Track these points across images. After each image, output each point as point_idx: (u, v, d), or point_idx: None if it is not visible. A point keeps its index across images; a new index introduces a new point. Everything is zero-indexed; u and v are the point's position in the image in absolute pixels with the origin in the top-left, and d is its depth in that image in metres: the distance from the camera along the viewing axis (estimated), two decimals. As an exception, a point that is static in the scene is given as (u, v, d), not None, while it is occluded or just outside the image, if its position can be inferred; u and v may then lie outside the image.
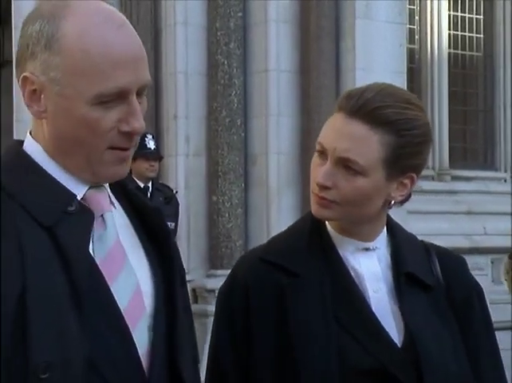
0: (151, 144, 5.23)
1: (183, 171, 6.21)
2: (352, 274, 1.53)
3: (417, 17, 7.79)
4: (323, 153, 1.51)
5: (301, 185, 6.16)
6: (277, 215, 6.06)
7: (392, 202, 1.55)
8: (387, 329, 1.50)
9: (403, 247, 1.59)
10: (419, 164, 1.55)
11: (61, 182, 1.22)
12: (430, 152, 1.57)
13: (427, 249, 1.63)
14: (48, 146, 1.23)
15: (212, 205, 6.22)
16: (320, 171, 1.50)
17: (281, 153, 6.17)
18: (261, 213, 6.17)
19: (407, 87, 6.49)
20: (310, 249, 1.55)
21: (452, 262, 1.64)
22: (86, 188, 1.23)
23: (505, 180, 7.99)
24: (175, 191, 5.67)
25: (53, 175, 1.22)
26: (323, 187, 1.49)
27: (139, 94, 1.20)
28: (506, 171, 8.02)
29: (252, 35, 6.24)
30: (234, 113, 6.14)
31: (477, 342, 1.60)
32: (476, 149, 8.20)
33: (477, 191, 7.58)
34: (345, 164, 1.47)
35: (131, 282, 1.24)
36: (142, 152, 5.06)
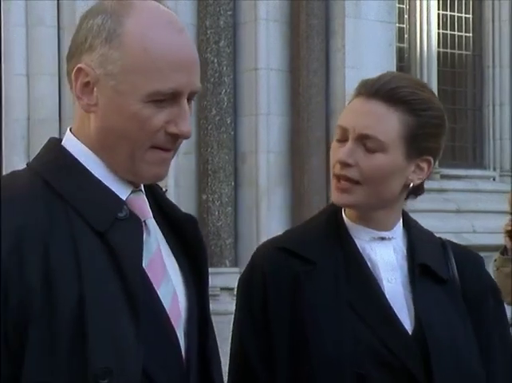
0: None
1: (173, 169, 6.20)
2: (368, 263, 1.55)
3: (406, 16, 7.81)
4: (343, 135, 1.53)
5: (290, 184, 6.17)
6: (267, 214, 6.06)
7: (411, 185, 1.57)
8: (400, 318, 1.52)
9: (419, 240, 1.60)
10: (435, 148, 1.58)
11: (107, 184, 1.21)
12: (445, 140, 1.60)
13: (444, 245, 1.65)
14: (92, 142, 1.22)
15: (202, 203, 6.22)
16: (340, 150, 1.52)
17: (271, 152, 6.17)
18: (250, 211, 6.17)
19: (397, 86, 6.50)
20: (326, 238, 1.57)
21: (469, 259, 1.65)
22: (129, 192, 1.23)
23: (494, 179, 8.02)
24: (164, 190, 5.67)
25: (98, 177, 1.21)
26: (344, 165, 1.51)
27: (188, 99, 1.22)
28: (494, 169, 8.05)
29: (242, 33, 6.24)
30: (223, 112, 6.14)
31: (490, 342, 1.60)
32: (465, 148, 8.22)
33: (466, 190, 7.61)
34: (365, 142, 1.50)
35: (170, 288, 1.25)
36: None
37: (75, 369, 1.11)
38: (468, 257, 1.67)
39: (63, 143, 1.24)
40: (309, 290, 1.52)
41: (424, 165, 1.58)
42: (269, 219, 6.00)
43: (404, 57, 7.77)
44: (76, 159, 1.21)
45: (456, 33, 8.10)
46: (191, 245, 1.31)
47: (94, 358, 1.11)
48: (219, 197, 6.14)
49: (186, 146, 6.30)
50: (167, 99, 1.20)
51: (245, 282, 1.60)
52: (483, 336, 1.59)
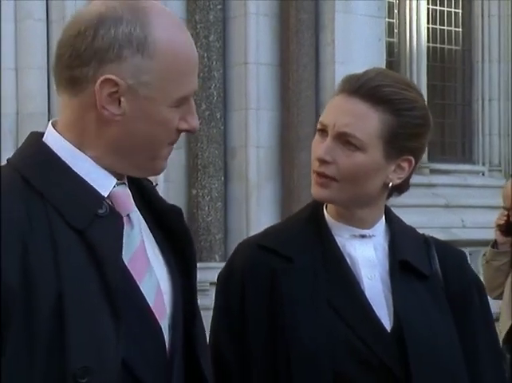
0: None
1: (163, 164, 6.20)
2: (348, 260, 1.55)
3: (396, 11, 7.81)
4: (323, 131, 1.53)
5: (280, 178, 6.17)
6: (257, 209, 6.06)
7: (390, 184, 1.56)
8: (379, 315, 1.52)
9: (400, 237, 1.60)
10: (417, 148, 1.57)
11: (88, 180, 1.20)
12: (428, 140, 1.60)
13: (427, 241, 1.64)
14: (99, 149, 1.20)
15: (192, 198, 6.21)
16: (320, 147, 1.52)
17: (261, 146, 6.17)
18: (240, 206, 6.17)
19: (387, 80, 6.51)
20: (306, 235, 1.57)
21: (452, 255, 1.65)
22: (114, 184, 1.23)
23: (483, 174, 8.05)
24: (155, 184, 5.66)
25: (80, 173, 1.20)
26: (322, 162, 1.51)
27: None
28: (483, 164, 8.07)
29: (232, 28, 6.23)
30: (213, 106, 6.13)
31: (475, 338, 1.60)
32: (454, 143, 8.24)
33: (455, 185, 7.63)
34: (345, 139, 1.50)
35: (153, 282, 1.25)
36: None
37: (54, 369, 1.10)
38: (451, 253, 1.66)
39: (44, 138, 1.23)
40: (287, 287, 1.51)
41: (405, 165, 1.57)
42: (259, 213, 6.00)
43: (394, 52, 7.77)
44: (56, 155, 1.20)
45: (446, 27, 8.11)
46: (177, 237, 1.31)
47: (73, 357, 1.10)
48: (209, 192, 6.14)
49: (175, 141, 6.29)
50: (183, 103, 1.24)
51: (223, 279, 1.60)
52: (469, 333, 1.59)
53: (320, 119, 1.55)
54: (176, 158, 6.25)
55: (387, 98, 1.50)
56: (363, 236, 1.57)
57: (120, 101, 1.18)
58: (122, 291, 1.17)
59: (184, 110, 1.24)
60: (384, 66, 6.39)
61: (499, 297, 3.87)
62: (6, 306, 1.08)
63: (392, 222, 1.62)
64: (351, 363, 1.48)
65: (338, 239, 1.56)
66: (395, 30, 7.82)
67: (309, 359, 1.47)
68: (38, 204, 1.15)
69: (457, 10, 8.16)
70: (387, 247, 1.58)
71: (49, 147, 1.21)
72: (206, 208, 6.13)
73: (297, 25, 6.11)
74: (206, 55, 6.11)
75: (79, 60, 1.19)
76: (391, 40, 7.71)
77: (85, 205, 1.18)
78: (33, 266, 1.10)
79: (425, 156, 7.81)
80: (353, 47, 6.16)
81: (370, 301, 1.52)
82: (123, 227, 1.21)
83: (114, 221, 1.20)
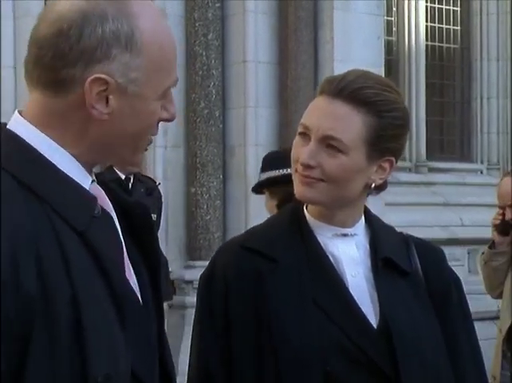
0: None
1: (161, 162, 6.19)
2: (331, 258, 1.55)
3: (395, 9, 7.81)
4: (306, 134, 1.53)
5: (279, 177, 6.16)
6: (256, 207, 6.06)
7: (372, 185, 1.57)
8: (364, 313, 1.52)
9: (381, 235, 1.61)
10: (397, 148, 1.59)
11: (73, 177, 1.18)
12: (407, 140, 1.62)
13: (406, 240, 1.65)
14: (80, 146, 1.17)
15: (190, 197, 6.21)
16: (303, 151, 1.52)
17: (260, 145, 6.16)
18: (239, 205, 6.16)
19: (385, 79, 6.50)
20: (289, 235, 1.57)
21: (430, 253, 1.66)
22: (90, 181, 1.21)
23: (481, 172, 8.05)
24: (157, 183, 5.64)
25: (64, 170, 1.17)
26: (307, 167, 1.51)
27: None
28: (482, 162, 8.08)
29: (230, 26, 6.22)
30: (212, 104, 6.12)
31: (455, 334, 1.61)
32: (453, 141, 8.24)
33: (454, 183, 7.63)
34: (329, 143, 1.50)
35: (134, 281, 1.24)
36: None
37: (75, 375, 1.08)
38: (430, 251, 1.67)
39: (19, 133, 1.17)
40: (273, 288, 1.51)
41: (386, 165, 1.57)
42: (257, 211, 5.99)
43: (393, 50, 7.77)
44: (39, 152, 1.16)
45: (444, 26, 8.11)
46: (140, 233, 1.28)
47: (94, 364, 1.09)
48: (208, 190, 6.13)
49: (174, 139, 6.29)
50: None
51: (205, 282, 1.58)
52: (449, 329, 1.60)
53: (303, 121, 1.54)
54: (175, 156, 6.25)
55: (369, 100, 1.50)
56: (345, 235, 1.58)
57: (107, 99, 1.16)
58: (127, 297, 1.16)
59: (165, 100, 1.22)
60: (382, 64, 6.39)
61: (500, 296, 3.86)
62: (28, 313, 1.06)
63: (372, 221, 1.63)
64: (340, 362, 1.48)
65: (320, 239, 1.57)
66: (394, 28, 7.81)
67: (298, 359, 1.47)
68: (38, 206, 1.12)
69: (455, 8, 8.16)
70: (368, 246, 1.59)
71: (29, 144, 1.16)
72: (205, 207, 6.13)
73: (296, 23, 6.10)
74: (204, 53, 6.10)
75: (63, 61, 1.15)
76: (390, 38, 7.71)
77: (83, 207, 1.16)
78: (47, 270, 1.08)
79: (424, 155, 7.82)
80: (352, 45, 6.15)
81: (356, 298, 1.53)
82: (117, 229, 1.20)
83: (109, 222, 1.19)
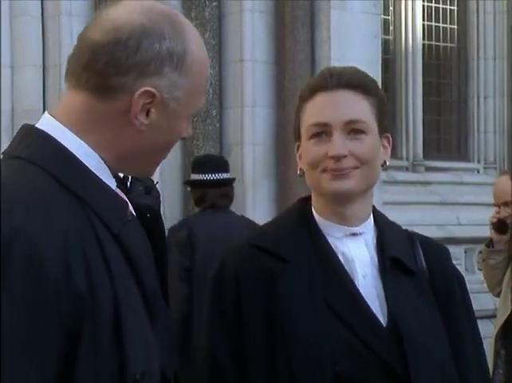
0: None
1: (158, 161, 6.18)
2: (342, 259, 1.56)
3: (392, 8, 7.81)
4: (322, 133, 1.55)
5: (276, 176, 6.16)
6: (253, 206, 6.06)
7: (385, 164, 1.63)
8: (374, 313, 1.53)
9: (388, 233, 1.62)
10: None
11: (105, 180, 1.22)
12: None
13: (411, 237, 1.66)
14: (112, 152, 1.21)
15: (187, 196, 6.21)
16: (331, 145, 1.54)
17: (257, 144, 6.16)
18: (236, 204, 6.15)
19: (382, 78, 6.50)
20: (298, 235, 1.58)
21: (435, 251, 1.68)
22: (114, 186, 1.25)
23: (478, 171, 8.05)
24: (155, 182, 5.64)
25: (96, 173, 1.20)
26: (340, 158, 1.53)
27: None
28: (479, 162, 8.08)
29: (227, 25, 6.22)
30: (209, 104, 6.12)
31: (459, 333, 1.62)
32: (450, 140, 8.24)
33: (451, 182, 7.63)
34: (352, 128, 1.55)
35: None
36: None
37: (115, 372, 1.11)
38: (434, 248, 1.69)
39: (54, 135, 1.21)
40: (284, 288, 1.51)
41: (386, 143, 1.63)
42: (254, 211, 6.00)
43: (389, 49, 7.77)
44: (72, 153, 1.19)
45: (441, 25, 8.12)
46: (151, 236, 1.31)
47: (133, 361, 1.12)
48: (205, 189, 6.13)
49: (171, 138, 6.28)
50: None
51: (216, 281, 1.59)
52: (453, 328, 1.61)
53: (315, 121, 1.56)
54: (172, 156, 6.23)
55: (363, 83, 1.59)
56: (354, 234, 1.59)
57: (148, 112, 1.21)
58: (156, 298, 1.21)
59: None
60: (379, 63, 6.39)
61: (500, 294, 3.87)
62: (79, 312, 1.08)
63: (377, 218, 1.64)
64: (351, 362, 1.49)
65: (330, 239, 1.57)
66: (391, 27, 7.82)
67: (309, 359, 1.47)
68: (79, 207, 1.14)
69: (452, 8, 8.16)
70: (375, 244, 1.60)
71: (64, 146, 1.19)
72: (202, 206, 6.12)
73: (293, 23, 6.10)
74: (201, 52, 6.10)
75: (117, 69, 1.20)
76: (387, 37, 7.71)
77: (118, 209, 1.20)
78: (93, 269, 1.11)
79: (420, 154, 7.82)
80: (349, 44, 6.15)
81: (366, 299, 1.54)
82: (144, 232, 1.25)
83: (137, 226, 1.24)
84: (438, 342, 1.56)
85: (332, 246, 1.56)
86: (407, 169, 7.70)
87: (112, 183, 1.24)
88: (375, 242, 1.60)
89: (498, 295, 3.88)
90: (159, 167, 5.48)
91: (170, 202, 6.24)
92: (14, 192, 1.11)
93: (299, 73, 6.09)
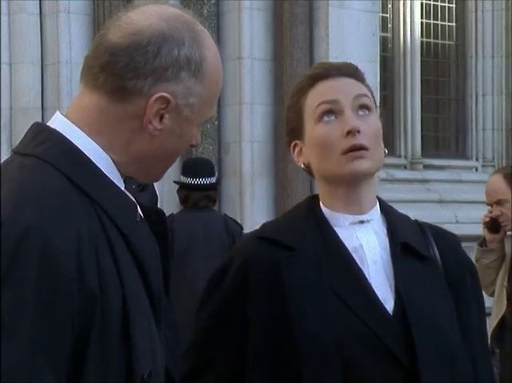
0: None
1: (156, 159, 6.18)
2: (350, 247, 1.57)
3: (390, 6, 7.81)
4: (331, 111, 1.56)
5: (274, 173, 6.16)
6: (251, 204, 6.06)
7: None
8: (383, 299, 1.53)
9: (397, 221, 1.63)
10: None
11: (115, 182, 1.23)
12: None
13: (422, 227, 1.66)
14: (123, 154, 1.23)
15: (185, 193, 6.21)
16: (341, 125, 1.55)
17: (255, 141, 6.16)
18: (234, 201, 6.16)
19: (380, 75, 6.50)
20: (305, 226, 1.59)
21: (447, 239, 1.67)
22: (123, 186, 1.26)
23: (476, 169, 8.06)
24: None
25: (108, 174, 1.22)
26: (354, 134, 1.54)
27: None
28: (477, 160, 8.09)
29: (225, 22, 6.22)
30: (207, 101, 6.12)
31: (468, 321, 1.61)
32: (448, 138, 8.25)
33: (449, 180, 7.64)
34: (361, 103, 1.58)
35: None
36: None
37: (123, 371, 1.12)
38: (445, 236, 1.68)
39: (62, 132, 1.21)
40: (290, 275, 1.52)
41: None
42: (253, 209, 6.00)
43: (388, 47, 7.77)
44: (85, 155, 1.20)
45: (439, 22, 8.12)
46: (155, 237, 1.32)
47: (141, 361, 1.13)
48: (203, 187, 6.13)
49: (169, 135, 6.28)
50: None
51: (221, 271, 1.59)
52: (463, 316, 1.61)
53: (324, 99, 1.57)
54: (170, 153, 6.24)
55: (359, 72, 1.64)
56: (362, 222, 1.59)
57: (162, 117, 1.22)
58: (161, 299, 1.23)
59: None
60: (378, 61, 6.40)
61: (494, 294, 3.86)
62: (91, 310, 1.09)
63: (386, 209, 1.65)
64: (358, 349, 1.49)
65: (338, 229, 1.58)
66: (389, 25, 7.81)
67: (316, 346, 1.47)
68: (90, 207, 1.16)
69: (451, 5, 8.16)
70: (385, 231, 1.60)
71: (78, 147, 1.20)
72: (200, 203, 6.12)
73: (291, 20, 6.10)
74: (200, 50, 6.10)
75: (135, 72, 1.21)
76: (385, 35, 7.71)
77: (128, 211, 1.22)
78: (104, 269, 1.12)
79: (418, 152, 7.82)
80: (347, 42, 6.15)
81: (375, 286, 1.54)
82: (152, 234, 1.26)
83: (145, 227, 1.25)
84: (449, 328, 1.56)
85: (340, 236, 1.57)
86: (405, 167, 7.70)
87: (121, 185, 1.25)
88: (384, 228, 1.60)
89: (492, 295, 3.87)
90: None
91: (168, 200, 6.24)
92: (26, 189, 1.12)
93: (297, 71, 6.09)
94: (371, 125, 1.57)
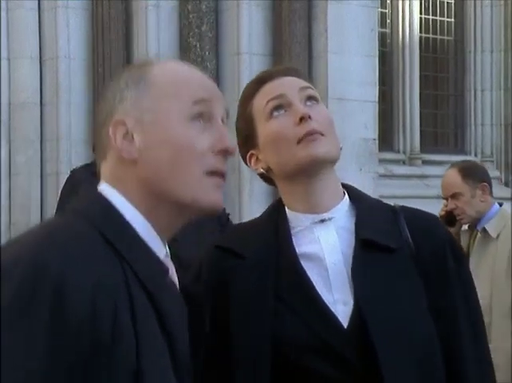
0: None
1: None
2: (309, 249, 1.53)
3: (389, 1, 7.81)
4: (280, 106, 1.56)
5: (273, 169, 6.16)
6: (249, 201, 6.06)
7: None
8: (344, 302, 1.49)
9: (365, 215, 1.57)
10: None
11: (153, 248, 1.21)
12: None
13: (395, 211, 1.60)
14: (136, 193, 1.20)
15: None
16: (290, 117, 1.54)
17: (254, 137, 6.16)
18: (233, 199, 6.16)
19: (379, 71, 6.50)
20: (264, 232, 1.57)
21: (421, 220, 1.61)
22: (163, 254, 1.23)
23: (475, 164, 8.07)
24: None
25: (142, 235, 1.20)
26: (307, 118, 1.53)
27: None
28: (476, 155, 8.09)
29: (224, 18, 6.21)
30: (206, 97, 6.12)
31: (453, 307, 1.55)
32: (447, 133, 8.25)
33: (447, 175, 7.64)
34: (307, 94, 1.58)
35: None
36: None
37: None
38: (420, 217, 1.61)
39: (104, 194, 1.22)
40: (235, 285, 1.51)
41: None
42: (251, 206, 6.00)
43: (386, 43, 7.77)
44: (122, 215, 1.20)
45: (438, 18, 8.12)
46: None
47: None
48: (202, 182, 6.13)
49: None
50: (204, 121, 1.23)
51: (190, 283, 1.59)
52: (447, 302, 1.53)
53: (270, 97, 1.57)
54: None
55: (297, 71, 1.66)
56: (322, 220, 1.55)
57: (132, 138, 1.20)
58: (188, 364, 1.21)
59: (214, 134, 1.23)
60: (376, 56, 6.39)
61: None
62: (100, 357, 1.08)
63: (357, 200, 1.60)
64: (304, 356, 1.46)
65: (298, 232, 1.55)
66: (388, 20, 7.81)
67: (253, 357, 1.46)
68: (117, 262, 1.15)
69: (449, 1, 8.16)
70: (353, 227, 1.55)
71: (115, 207, 1.20)
72: (199, 199, 6.12)
73: (290, 15, 6.09)
74: (198, 45, 6.09)
75: (100, 122, 1.24)
76: (384, 30, 7.70)
77: (157, 271, 1.20)
78: (120, 320, 1.11)
79: (417, 147, 7.83)
80: (346, 37, 6.15)
81: (335, 288, 1.49)
82: (180, 297, 1.24)
83: (176, 292, 1.24)
84: (418, 327, 1.48)
85: (299, 238, 1.54)
86: (403, 163, 7.70)
87: (160, 251, 1.22)
88: (351, 224, 1.55)
89: None
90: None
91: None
92: (54, 233, 1.14)
93: (296, 66, 6.08)
94: (322, 113, 1.56)
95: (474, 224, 3.75)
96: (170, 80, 1.22)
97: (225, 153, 1.23)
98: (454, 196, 3.73)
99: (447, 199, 3.80)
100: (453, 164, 3.93)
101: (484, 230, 3.69)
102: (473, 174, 3.75)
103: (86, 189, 1.24)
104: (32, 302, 1.05)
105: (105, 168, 1.23)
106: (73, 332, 1.06)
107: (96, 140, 1.26)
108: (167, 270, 1.22)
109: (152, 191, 1.20)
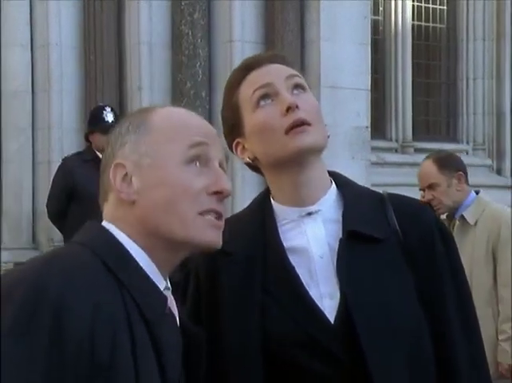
0: (109, 117, 5.13)
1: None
2: (296, 243, 1.53)
3: (381, -11, 7.79)
4: (267, 95, 1.54)
5: (265, 157, 6.16)
6: (242, 189, 6.06)
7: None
8: (330, 295, 1.48)
9: (351, 204, 1.56)
10: None
11: (153, 279, 1.25)
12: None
13: (383, 200, 1.59)
14: (136, 231, 1.25)
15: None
16: (277, 107, 1.52)
17: (246, 125, 6.15)
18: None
19: (372, 58, 6.49)
20: (252, 227, 1.56)
21: (408, 206, 1.60)
22: (163, 286, 1.27)
23: (467, 153, 8.08)
24: None
25: (147, 272, 1.24)
26: (294, 108, 1.51)
27: (220, 166, 1.34)
28: (468, 143, 8.10)
29: (216, 5, 6.19)
30: (198, 85, 6.10)
31: (442, 294, 1.54)
32: (439, 122, 8.26)
33: (439, 163, 7.65)
34: (294, 83, 1.56)
35: None
36: (100, 124, 4.99)
37: None
38: (407, 205, 1.60)
39: (107, 228, 1.27)
40: (223, 281, 1.51)
41: None
42: (243, 193, 6.00)
43: (379, 30, 7.76)
44: (127, 250, 1.24)
45: (430, 5, 8.11)
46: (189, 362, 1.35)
47: None
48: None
49: (160, 119, 6.25)
50: (201, 164, 1.28)
51: (183, 284, 1.60)
52: (436, 287, 1.53)
53: (256, 85, 1.55)
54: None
55: (284, 58, 1.62)
56: (309, 213, 1.54)
57: (131, 181, 1.26)
58: None
59: (210, 176, 1.29)
60: (369, 44, 6.38)
61: None
62: (98, 379, 1.11)
63: (344, 188, 1.58)
64: (290, 350, 1.46)
65: (286, 225, 1.54)
66: (381, 8, 7.80)
67: (239, 349, 1.46)
68: (118, 290, 1.19)
69: (442, -12, 8.15)
70: (340, 219, 1.53)
71: (118, 240, 1.25)
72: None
73: (283, 3, 6.08)
74: (190, 33, 6.07)
75: (102, 168, 1.31)
76: (377, 18, 7.69)
77: (157, 301, 1.23)
78: (119, 344, 1.14)
79: (409, 135, 7.83)
80: (338, 25, 6.14)
81: (322, 281, 1.49)
82: (178, 330, 1.27)
83: (174, 324, 1.26)
84: (405, 315, 1.47)
85: (286, 232, 1.53)
86: (396, 151, 7.71)
87: (160, 283, 1.26)
88: (338, 215, 1.53)
89: None
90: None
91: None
92: (58, 259, 1.19)
93: (288, 54, 6.07)
94: (309, 102, 1.54)
95: (452, 213, 3.78)
96: (167, 125, 1.28)
97: (220, 195, 1.29)
98: (431, 187, 3.75)
99: (423, 190, 3.81)
100: (428, 155, 3.94)
101: (462, 217, 3.72)
102: (448, 164, 3.77)
103: (91, 223, 1.30)
104: (31, 326, 1.08)
105: (107, 209, 1.30)
106: (71, 357, 1.09)
107: (100, 182, 1.32)
108: (165, 300, 1.25)
109: (149, 229, 1.25)
